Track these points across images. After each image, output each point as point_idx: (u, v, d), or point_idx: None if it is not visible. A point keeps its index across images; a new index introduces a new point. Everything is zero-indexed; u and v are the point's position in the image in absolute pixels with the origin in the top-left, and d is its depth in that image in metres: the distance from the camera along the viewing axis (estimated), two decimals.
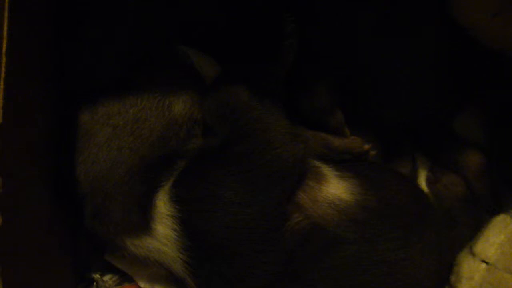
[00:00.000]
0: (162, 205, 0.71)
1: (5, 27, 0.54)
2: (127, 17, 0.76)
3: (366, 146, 0.82)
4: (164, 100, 0.74)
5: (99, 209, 0.72)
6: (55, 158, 0.73)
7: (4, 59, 0.54)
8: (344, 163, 0.80)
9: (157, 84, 0.74)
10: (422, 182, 0.91)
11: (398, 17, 0.84)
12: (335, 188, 0.75)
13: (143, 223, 0.71)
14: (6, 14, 0.54)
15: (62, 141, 0.73)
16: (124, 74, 0.74)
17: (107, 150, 0.71)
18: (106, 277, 0.86)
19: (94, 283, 0.85)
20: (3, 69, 0.54)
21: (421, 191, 0.86)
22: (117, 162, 0.71)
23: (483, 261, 0.72)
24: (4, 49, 0.54)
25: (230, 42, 0.82)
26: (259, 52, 0.79)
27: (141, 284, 0.84)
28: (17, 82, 0.56)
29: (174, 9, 0.82)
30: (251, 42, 0.80)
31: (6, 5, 0.55)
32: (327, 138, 0.81)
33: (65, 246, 0.81)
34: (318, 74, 0.83)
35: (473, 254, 0.73)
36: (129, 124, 0.72)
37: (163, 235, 0.71)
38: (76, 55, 0.74)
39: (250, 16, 0.82)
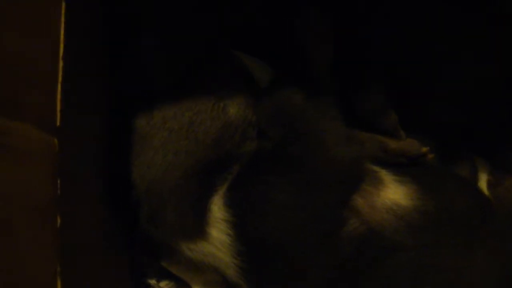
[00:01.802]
0: (217, 210, 0.71)
1: (62, 32, 0.55)
2: (181, 22, 0.77)
3: (424, 149, 0.80)
4: (219, 103, 0.74)
5: (154, 212, 0.72)
6: (111, 161, 0.74)
7: (61, 63, 0.55)
8: (401, 167, 0.78)
9: (211, 88, 0.75)
10: (483, 186, 0.88)
11: (456, 16, 0.82)
12: (393, 193, 0.73)
13: (198, 227, 0.71)
14: (63, 19, 0.56)
15: (118, 145, 0.74)
16: (179, 79, 0.75)
17: (163, 154, 0.72)
18: (162, 283, 0.87)
19: None
20: (61, 73, 0.55)
21: (482, 194, 0.83)
22: (173, 165, 0.71)
23: None
24: (61, 54, 0.55)
25: (276, 44, 0.83)
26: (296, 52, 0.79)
27: None
28: (73, 85, 0.58)
29: (226, 14, 0.82)
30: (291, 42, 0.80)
31: (63, 11, 0.56)
32: (383, 141, 0.80)
33: (121, 250, 0.82)
34: (372, 74, 0.83)
35: None
36: (184, 127, 0.72)
37: (217, 240, 0.71)
38: (131, 60, 0.75)
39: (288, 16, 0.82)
